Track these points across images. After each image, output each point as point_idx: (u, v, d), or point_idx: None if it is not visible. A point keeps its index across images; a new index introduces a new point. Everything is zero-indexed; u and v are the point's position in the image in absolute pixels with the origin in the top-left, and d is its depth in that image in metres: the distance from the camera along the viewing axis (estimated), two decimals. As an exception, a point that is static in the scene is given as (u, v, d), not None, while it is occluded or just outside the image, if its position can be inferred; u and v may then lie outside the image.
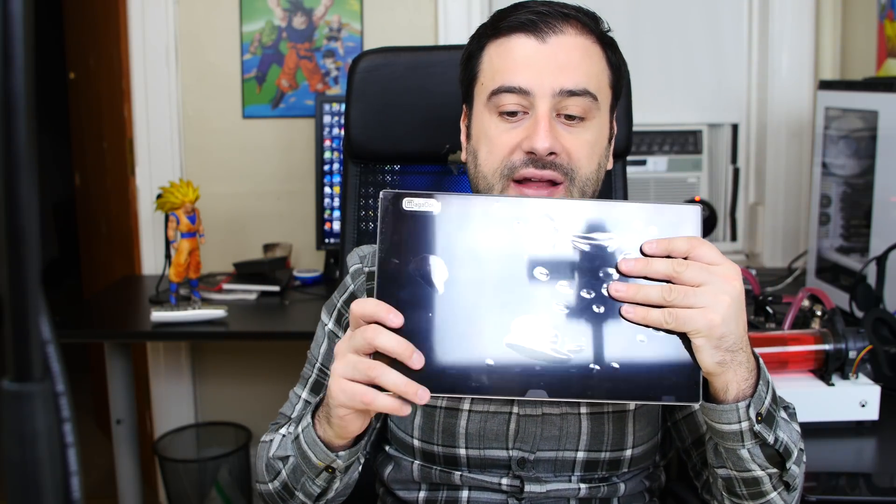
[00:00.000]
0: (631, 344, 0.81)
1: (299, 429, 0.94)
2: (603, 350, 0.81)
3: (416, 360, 0.79)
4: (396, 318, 0.79)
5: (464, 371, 0.81)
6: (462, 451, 1.05)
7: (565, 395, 0.83)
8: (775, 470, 0.90)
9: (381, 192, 0.81)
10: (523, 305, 0.81)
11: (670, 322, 0.79)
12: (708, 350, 0.80)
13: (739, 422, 0.85)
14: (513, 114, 0.99)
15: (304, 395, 1.11)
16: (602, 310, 0.81)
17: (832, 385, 1.31)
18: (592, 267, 0.81)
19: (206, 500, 2.32)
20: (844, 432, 1.30)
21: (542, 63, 0.97)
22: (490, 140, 1.00)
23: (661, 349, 0.81)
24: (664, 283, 0.80)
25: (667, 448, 1.15)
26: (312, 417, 0.93)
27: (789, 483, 0.92)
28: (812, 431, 1.29)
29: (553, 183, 0.99)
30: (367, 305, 0.80)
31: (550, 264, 0.81)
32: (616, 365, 0.81)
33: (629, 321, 0.81)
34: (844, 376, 1.32)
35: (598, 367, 0.81)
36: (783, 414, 0.91)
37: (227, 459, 2.33)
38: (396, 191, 0.82)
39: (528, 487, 1.04)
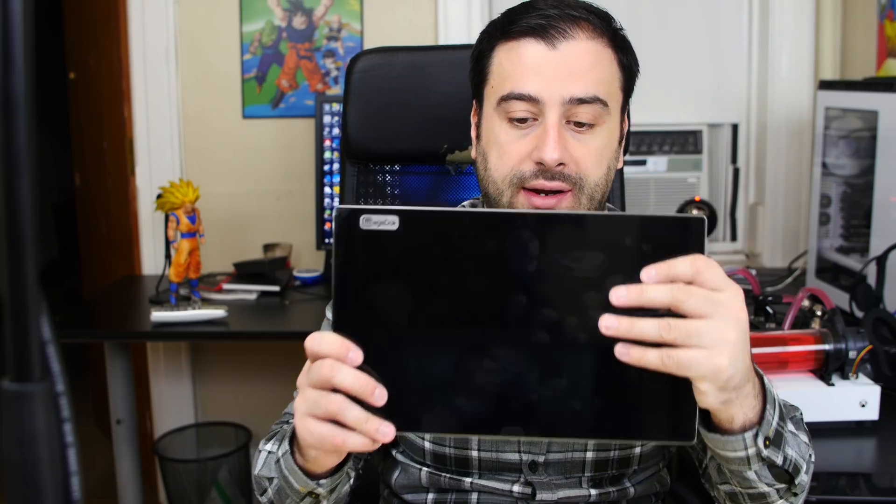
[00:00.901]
0: (619, 378, 0.72)
1: (279, 452, 0.91)
2: (587, 385, 0.73)
3: (379, 397, 0.72)
4: (356, 356, 0.72)
5: (432, 406, 0.74)
6: (475, 453, 1.05)
7: (543, 433, 0.76)
8: (783, 485, 0.88)
9: (335, 209, 0.73)
10: (498, 334, 0.73)
11: (670, 366, 0.70)
12: (713, 393, 0.72)
13: (746, 449, 0.81)
14: (522, 120, 0.98)
15: None
16: (587, 339, 0.72)
17: (832, 385, 1.31)
18: (577, 290, 0.72)
19: (206, 500, 2.32)
20: (844, 432, 1.30)
21: (552, 70, 0.96)
22: (500, 147, 1.00)
23: (653, 384, 0.73)
24: (662, 317, 0.71)
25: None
26: (291, 444, 0.88)
27: (797, 492, 0.90)
28: (812, 431, 1.28)
29: (560, 191, 0.98)
30: (322, 343, 0.73)
31: (529, 287, 0.72)
32: (601, 401, 0.73)
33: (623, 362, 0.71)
34: (844, 376, 1.32)
35: (580, 402, 0.73)
36: (790, 427, 0.88)
37: (227, 459, 2.33)
38: (353, 206, 0.73)
39: (539, 495, 1.04)
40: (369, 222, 0.72)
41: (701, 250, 0.72)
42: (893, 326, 1.45)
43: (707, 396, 0.73)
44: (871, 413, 1.30)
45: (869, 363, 1.34)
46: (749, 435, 0.80)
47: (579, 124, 0.98)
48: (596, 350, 0.72)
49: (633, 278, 0.71)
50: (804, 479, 0.90)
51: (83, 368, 3.17)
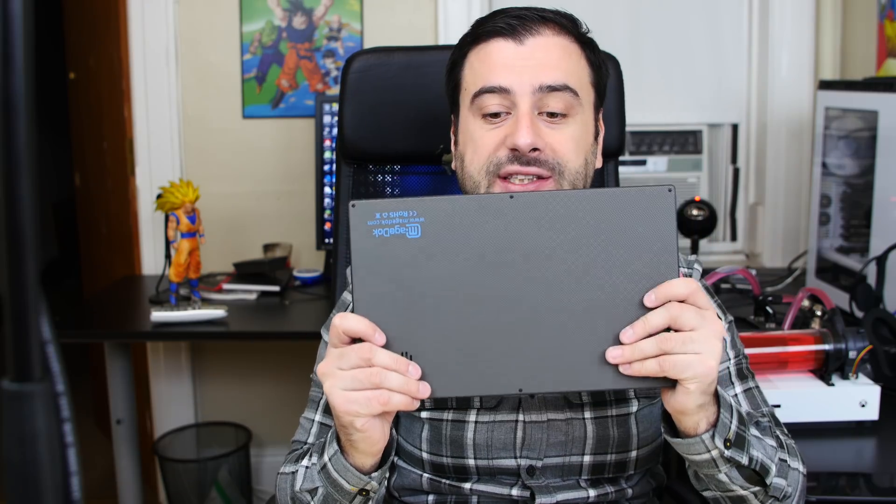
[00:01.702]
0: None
1: (325, 457, 0.92)
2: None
3: (414, 372, 0.81)
4: (381, 338, 0.81)
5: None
6: (471, 462, 1.05)
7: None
8: (759, 487, 0.92)
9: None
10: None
11: (668, 370, 0.79)
12: (697, 395, 0.82)
13: (709, 451, 0.87)
14: (496, 115, 1.01)
15: (318, 417, 1.08)
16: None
17: (832, 385, 1.31)
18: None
19: (206, 500, 2.32)
20: (844, 432, 1.30)
21: (521, 63, 0.99)
22: (475, 141, 1.02)
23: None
24: (659, 333, 0.80)
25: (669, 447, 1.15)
26: (338, 444, 0.91)
27: (777, 496, 0.93)
28: (812, 431, 1.29)
29: (540, 177, 1.00)
30: (351, 322, 0.81)
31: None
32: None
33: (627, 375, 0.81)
34: (844, 376, 1.32)
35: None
36: (755, 431, 0.93)
37: (227, 459, 2.33)
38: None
39: (539, 499, 1.04)
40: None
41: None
42: (893, 326, 1.45)
43: (691, 397, 0.82)
44: (871, 413, 1.30)
45: (869, 363, 1.34)
46: (706, 436, 0.86)
47: (552, 115, 1.00)
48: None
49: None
50: (779, 482, 0.93)
51: (83, 368, 3.17)
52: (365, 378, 0.80)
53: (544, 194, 0.82)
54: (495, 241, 0.81)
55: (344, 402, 0.81)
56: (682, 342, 0.79)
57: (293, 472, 0.99)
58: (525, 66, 0.99)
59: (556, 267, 0.81)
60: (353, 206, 0.80)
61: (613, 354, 0.81)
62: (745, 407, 1.04)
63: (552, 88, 0.98)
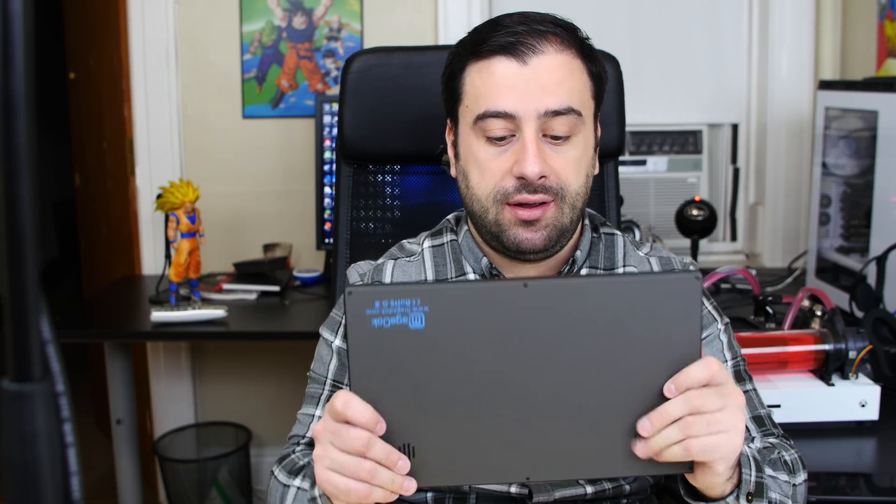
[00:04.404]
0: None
1: (315, 492, 0.92)
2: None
3: (402, 468, 0.78)
4: (382, 429, 0.78)
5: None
6: None
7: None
8: None
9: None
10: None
11: (696, 454, 0.79)
12: (726, 472, 0.83)
13: None
14: (500, 138, 1.00)
15: (319, 412, 1.08)
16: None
17: (832, 385, 1.31)
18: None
19: (206, 500, 2.32)
20: (844, 432, 1.30)
21: (525, 86, 0.98)
22: (480, 164, 1.01)
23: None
24: (682, 417, 0.78)
25: None
26: None
27: None
28: (812, 431, 1.29)
29: (544, 202, 1.00)
30: (355, 410, 0.78)
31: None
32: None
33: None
34: (844, 376, 1.32)
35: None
36: (769, 472, 0.94)
37: (227, 459, 2.33)
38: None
39: (536, 497, 1.05)
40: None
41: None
42: (893, 326, 1.45)
43: (721, 476, 0.82)
44: (871, 413, 1.30)
45: (869, 363, 1.34)
46: (731, 498, 0.88)
47: (556, 137, 0.99)
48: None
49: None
50: None
51: (83, 368, 3.16)
52: (354, 470, 0.78)
53: (560, 283, 0.77)
54: (506, 331, 0.76)
55: (325, 482, 0.81)
56: (707, 424, 0.78)
57: (286, 486, 1.00)
58: (529, 89, 0.98)
59: (571, 355, 0.77)
60: (350, 293, 0.73)
61: (641, 450, 0.78)
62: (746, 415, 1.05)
63: (557, 113, 0.98)
